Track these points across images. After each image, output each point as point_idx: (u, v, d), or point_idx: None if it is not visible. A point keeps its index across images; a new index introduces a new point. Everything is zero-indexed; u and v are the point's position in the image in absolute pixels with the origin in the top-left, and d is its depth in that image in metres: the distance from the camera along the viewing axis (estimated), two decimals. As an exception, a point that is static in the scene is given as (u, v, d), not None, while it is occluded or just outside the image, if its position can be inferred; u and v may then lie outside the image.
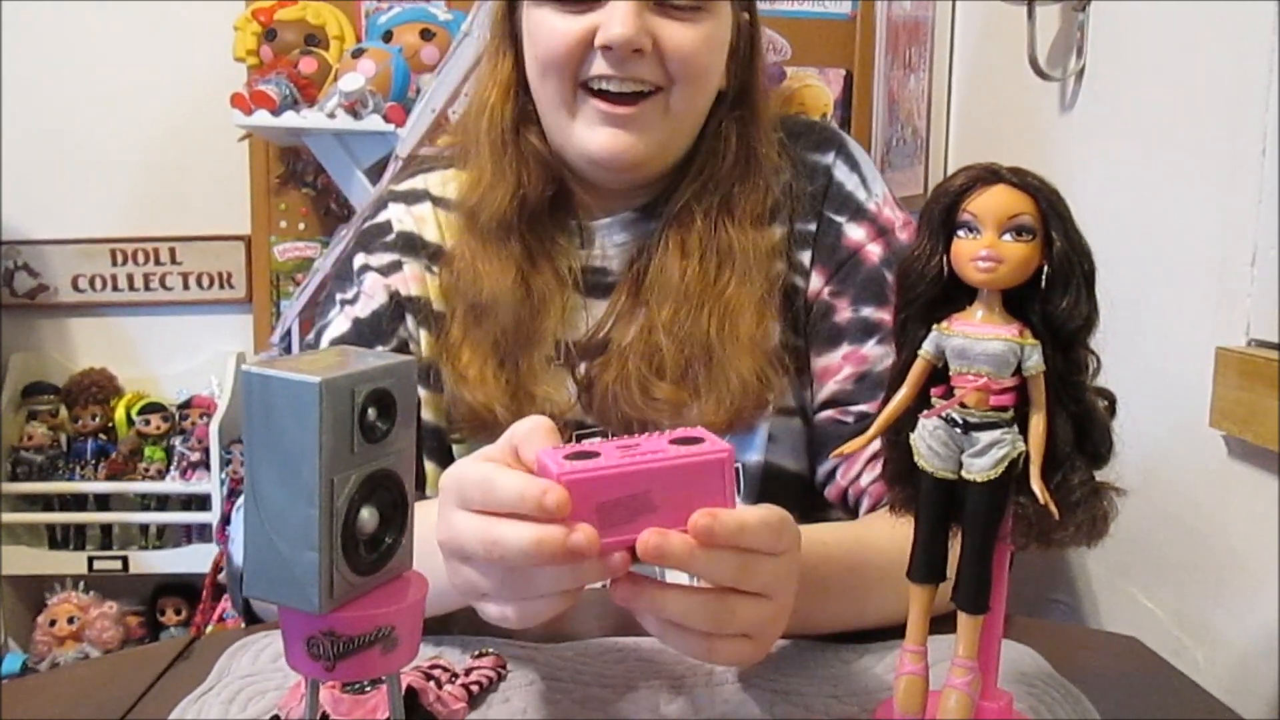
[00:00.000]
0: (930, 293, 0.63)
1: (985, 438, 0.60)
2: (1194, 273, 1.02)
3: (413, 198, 1.04)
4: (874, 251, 0.97)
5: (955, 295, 0.63)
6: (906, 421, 0.64)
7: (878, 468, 0.90)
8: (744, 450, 0.95)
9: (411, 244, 1.02)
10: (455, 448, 0.99)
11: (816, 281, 0.97)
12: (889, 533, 0.66)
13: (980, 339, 0.60)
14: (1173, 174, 1.09)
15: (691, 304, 0.94)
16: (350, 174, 2.06)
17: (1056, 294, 0.60)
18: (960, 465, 0.61)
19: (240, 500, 0.47)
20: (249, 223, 2.46)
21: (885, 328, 0.95)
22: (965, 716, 0.61)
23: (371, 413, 0.45)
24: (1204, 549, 0.97)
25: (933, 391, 0.63)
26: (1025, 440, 0.60)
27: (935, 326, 0.62)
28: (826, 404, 0.96)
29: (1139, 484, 0.63)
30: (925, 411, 0.62)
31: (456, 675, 0.73)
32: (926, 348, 0.62)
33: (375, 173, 2.03)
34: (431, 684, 0.67)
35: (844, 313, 0.96)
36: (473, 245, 0.97)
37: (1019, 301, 0.61)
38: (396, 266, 1.01)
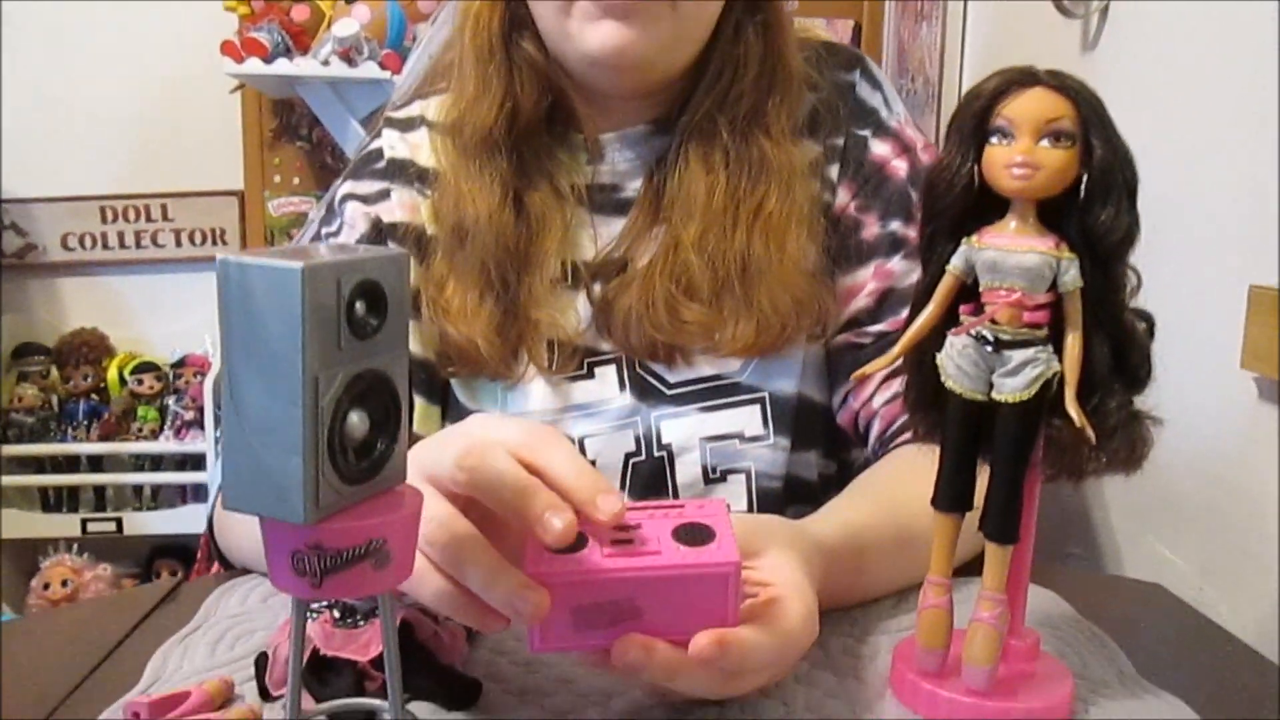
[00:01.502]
0: (959, 205, 0.59)
1: (1018, 356, 0.56)
2: (1226, 210, 0.98)
3: (408, 125, 0.99)
4: (900, 167, 0.91)
5: (986, 208, 0.59)
6: (932, 342, 0.60)
7: (891, 388, 0.87)
8: (776, 378, 0.88)
9: (402, 170, 0.96)
10: (453, 382, 0.94)
11: (844, 196, 0.91)
12: (926, 489, 0.61)
13: (1014, 252, 0.56)
14: (1201, 112, 1.04)
15: (723, 222, 0.87)
16: (345, 124, 2.01)
17: (1096, 205, 0.56)
18: (990, 387, 0.58)
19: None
20: (242, 178, 2.41)
21: (911, 244, 0.88)
22: (992, 653, 0.58)
23: (360, 306, 0.41)
24: (1231, 497, 0.94)
25: (961, 309, 0.59)
26: (1060, 361, 0.56)
27: (964, 241, 0.59)
28: (845, 326, 0.90)
29: (1162, 428, 0.59)
30: (953, 329, 0.58)
31: (454, 614, 0.69)
32: (955, 263, 0.59)
33: (372, 122, 1.98)
34: (428, 619, 0.64)
35: (872, 228, 0.90)
36: (456, 165, 0.91)
37: (1054, 215, 0.57)
38: (383, 195, 0.96)
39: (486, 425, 0.57)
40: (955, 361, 0.58)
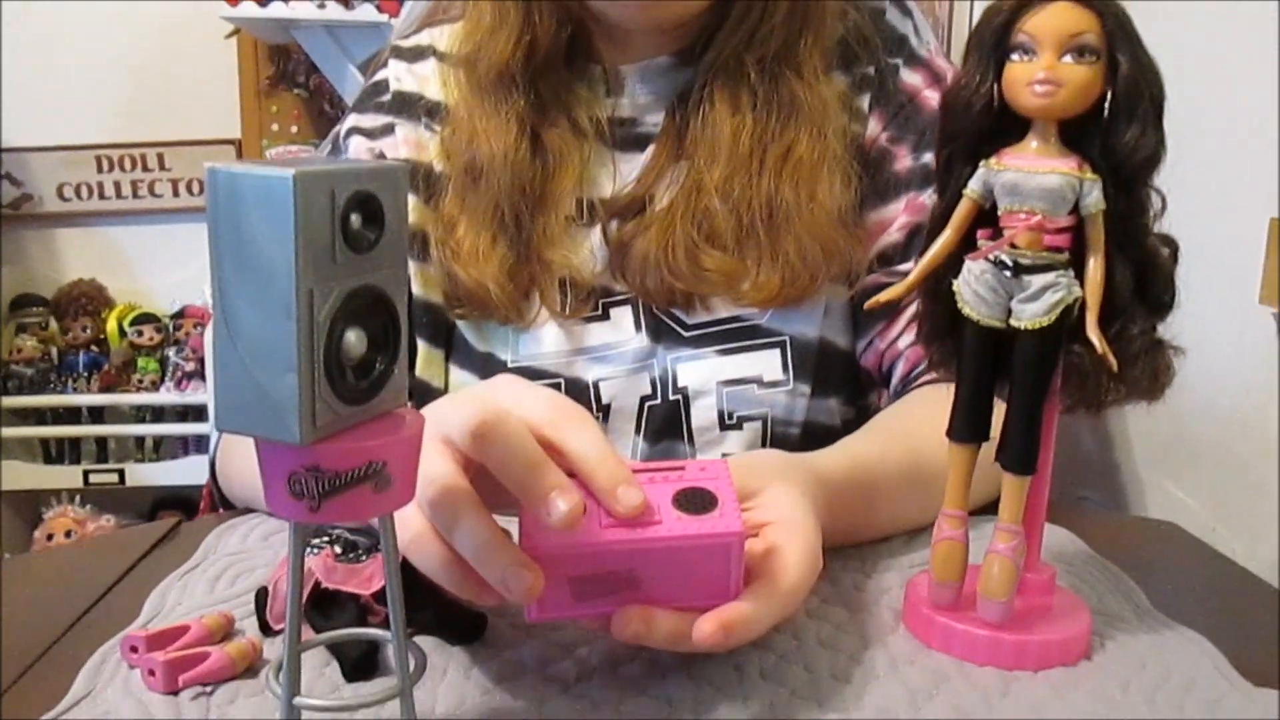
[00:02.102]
0: (978, 125, 0.57)
1: (1038, 281, 0.55)
2: (1248, 139, 0.95)
3: (416, 54, 0.96)
4: (931, 97, 0.87)
5: (1005, 129, 0.57)
6: (949, 269, 0.58)
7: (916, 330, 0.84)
8: (798, 321, 0.85)
9: (408, 104, 0.94)
10: (460, 325, 0.92)
11: (874, 127, 0.87)
12: (942, 426, 0.59)
13: (1034, 173, 0.55)
14: (1227, 45, 1.02)
15: (749, 166, 0.83)
16: (343, 70, 1.98)
17: (1121, 123, 0.54)
18: (1008, 314, 0.56)
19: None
20: (239, 126, 2.38)
21: None
22: (1009, 586, 0.56)
23: (355, 219, 0.40)
24: (1246, 435, 0.93)
25: (979, 234, 0.57)
26: (1081, 286, 0.55)
27: (983, 163, 0.57)
28: (874, 263, 0.86)
29: (1183, 358, 0.57)
30: (971, 254, 0.57)
31: (458, 551, 0.68)
32: (973, 186, 0.57)
33: (369, 68, 1.94)
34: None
35: (904, 160, 0.86)
36: (470, 100, 0.87)
37: (1076, 136, 0.55)
38: (388, 130, 0.93)
39: (511, 392, 0.54)
40: (972, 288, 0.57)
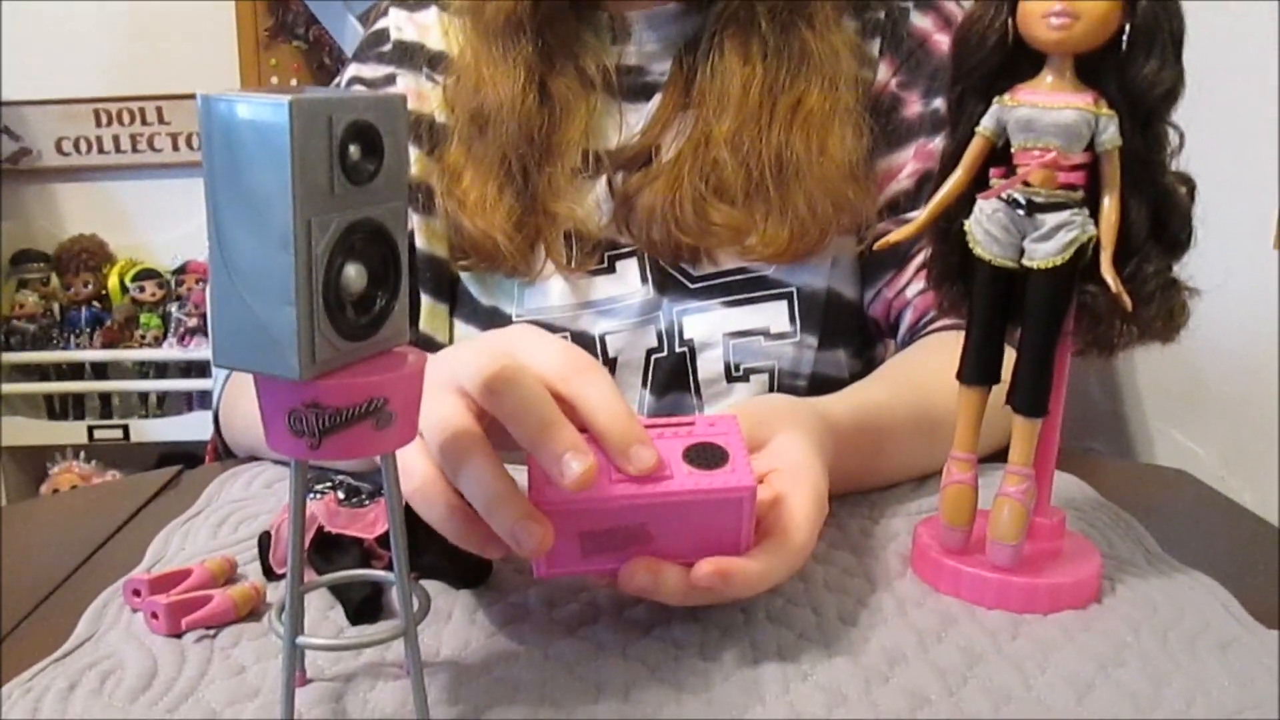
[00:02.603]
0: (992, 61, 0.56)
1: (1052, 220, 0.54)
2: (1265, 80, 0.93)
3: (418, 3, 0.94)
4: (942, 41, 0.86)
5: (1019, 65, 0.55)
6: (960, 210, 0.57)
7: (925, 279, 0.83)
8: (805, 272, 0.84)
9: (409, 54, 0.92)
10: (465, 277, 0.91)
11: (884, 72, 0.86)
12: (951, 372, 0.58)
13: (1050, 108, 0.53)
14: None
15: (759, 118, 0.81)
16: (342, 21, 1.95)
17: (1139, 57, 0.53)
18: (1020, 254, 0.55)
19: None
20: (238, 79, 2.35)
21: None
22: (1019, 529, 0.56)
23: (354, 149, 0.38)
24: (1256, 383, 0.92)
25: (992, 173, 0.56)
26: (1095, 224, 0.54)
27: (996, 100, 0.55)
28: (884, 211, 0.85)
29: (1191, 307, 0.56)
30: (983, 193, 0.55)
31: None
32: (986, 124, 0.56)
33: (369, 18, 1.92)
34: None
35: (914, 106, 0.85)
36: (476, 47, 0.86)
37: (1093, 71, 0.54)
38: (389, 80, 0.92)
39: (525, 343, 0.52)
40: (984, 227, 0.55)
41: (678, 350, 0.85)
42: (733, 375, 0.85)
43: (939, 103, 0.83)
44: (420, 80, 0.92)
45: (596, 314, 0.86)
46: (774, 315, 0.84)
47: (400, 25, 0.94)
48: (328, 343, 0.39)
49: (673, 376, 0.85)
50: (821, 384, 0.85)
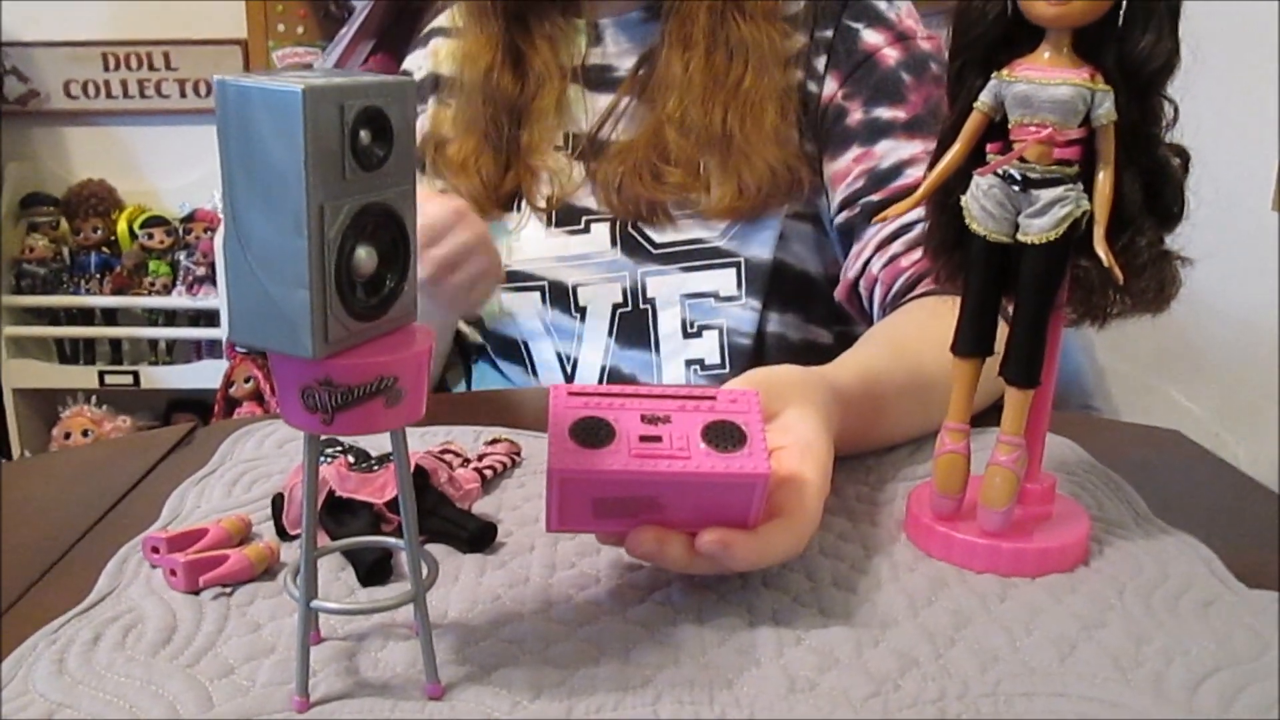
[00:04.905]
0: (991, 35, 0.56)
1: (1046, 195, 0.54)
2: (1263, 42, 0.94)
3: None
4: (890, 54, 0.93)
5: (1018, 39, 0.56)
6: (957, 183, 0.58)
7: (888, 252, 0.89)
8: (753, 245, 0.93)
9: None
10: None
11: (830, 86, 0.94)
12: (942, 337, 0.60)
13: (1046, 84, 0.54)
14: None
15: (699, 98, 0.92)
16: (348, -33, 1.93)
17: (1136, 30, 0.54)
18: (1015, 228, 0.56)
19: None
20: (245, 26, 2.34)
21: (897, 124, 0.91)
22: (1009, 496, 0.57)
23: (364, 135, 0.40)
24: (1253, 341, 0.93)
25: (988, 148, 0.57)
26: (1090, 199, 0.54)
27: (995, 74, 0.56)
28: (840, 208, 0.94)
29: (1183, 272, 0.57)
30: (979, 168, 0.56)
31: (469, 460, 0.69)
32: (984, 98, 0.56)
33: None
34: (444, 465, 0.64)
35: (855, 114, 0.92)
36: (461, 19, 1.00)
37: (1091, 46, 0.55)
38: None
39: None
40: (980, 202, 0.56)
41: (641, 307, 0.96)
42: (688, 331, 0.95)
43: (880, 110, 0.92)
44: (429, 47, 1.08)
45: (571, 267, 0.97)
46: (724, 281, 0.94)
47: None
48: (339, 323, 0.40)
49: (635, 329, 0.96)
50: (771, 342, 0.96)
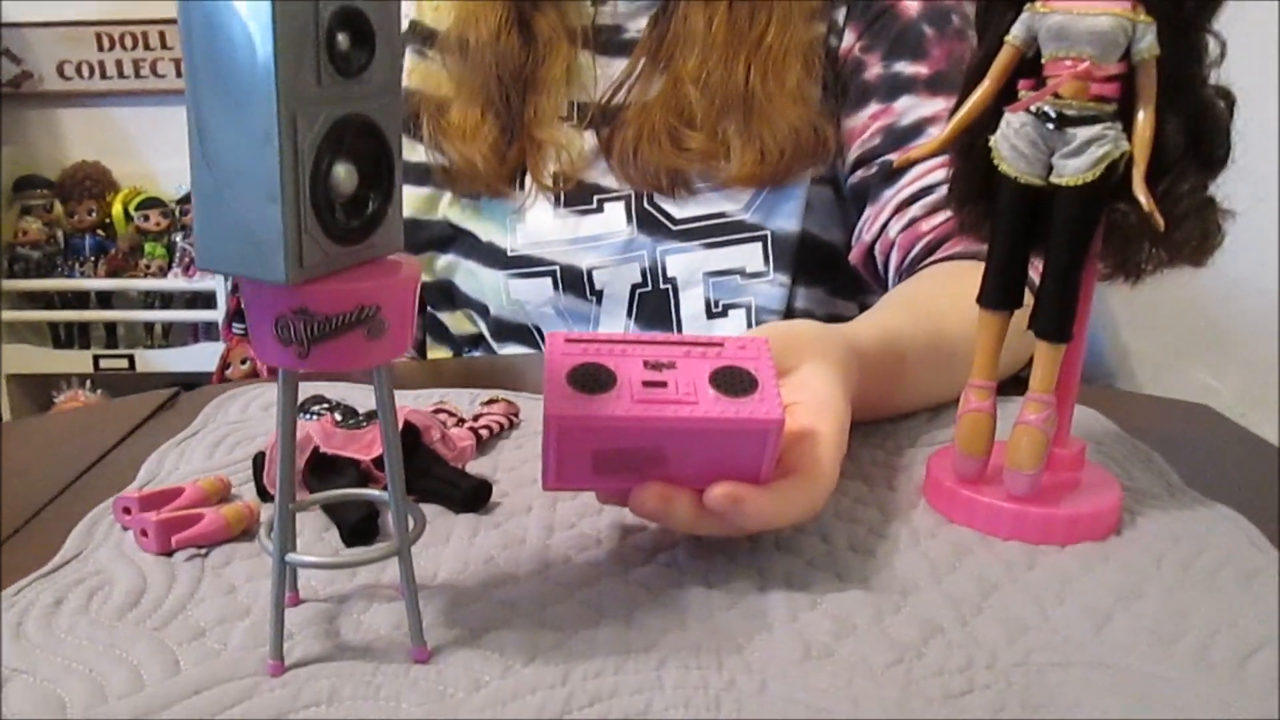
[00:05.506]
0: (1023, -36, 0.52)
1: (1083, 134, 0.51)
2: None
3: None
4: (912, 6, 0.88)
5: (1052, -30, 0.52)
6: (985, 125, 0.54)
7: (907, 215, 0.85)
8: (779, 216, 0.88)
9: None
10: (457, 215, 0.96)
11: (849, 38, 0.89)
12: (964, 302, 0.57)
13: (1084, 15, 0.50)
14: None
15: (722, 53, 0.86)
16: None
17: (1180, -42, 0.50)
18: (1048, 171, 0.52)
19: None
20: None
21: (919, 80, 0.87)
22: (1038, 457, 0.54)
23: (342, 38, 0.36)
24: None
25: (1020, 85, 0.53)
26: (1128, 140, 0.51)
27: (1027, 6, 0.52)
28: (855, 165, 0.89)
29: (1226, 229, 0.53)
30: (1010, 105, 0.53)
31: (464, 420, 0.66)
32: (1015, 32, 0.52)
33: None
34: (436, 423, 0.60)
35: (874, 69, 0.88)
36: None
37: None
38: None
39: None
40: (1011, 142, 0.53)
41: (661, 287, 0.91)
42: (712, 311, 0.90)
43: (900, 65, 0.88)
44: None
45: (584, 249, 0.91)
46: (749, 256, 0.89)
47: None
48: (316, 245, 0.37)
49: (656, 311, 0.91)
50: (800, 319, 0.86)
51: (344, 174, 0.37)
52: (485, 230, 0.95)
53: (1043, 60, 0.52)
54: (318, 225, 0.37)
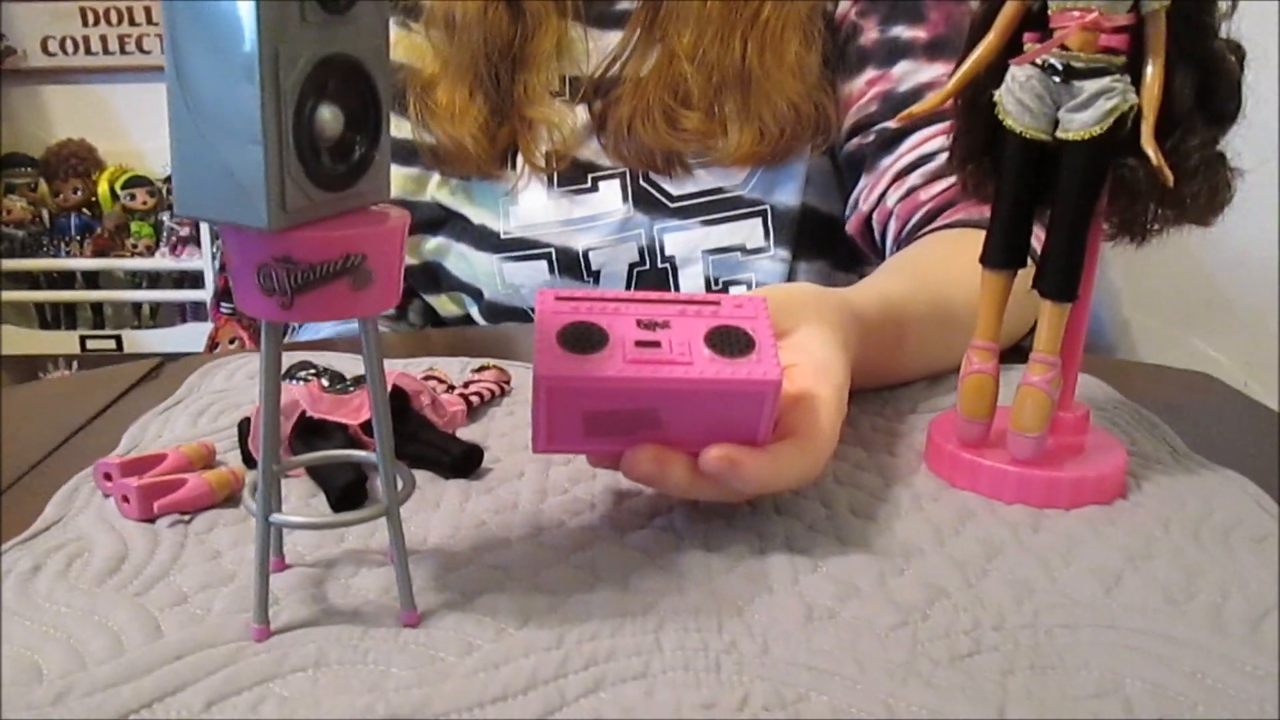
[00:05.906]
0: (1029, -88, 0.51)
1: (1091, 86, 0.49)
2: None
3: None
4: None
5: (1059, -83, 0.50)
6: (989, 80, 0.53)
7: (905, 184, 0.83)
8: (779, 190, 0.87)
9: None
10: (448, 198, 0.93)
11: (845, 2, 0.87)
12: (965, 268, 0.56)
13: (1092, -37, 0.49)
14: None
15: (718, 28, 0.84)
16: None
17: (1191, -96, 0.48)
18: (1055, 125, 0.51)
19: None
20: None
21: (917, 45, 0.85)
22: (1042, 419, 0.52)
23: (327, -30, 0.34)
24: (1281, 287, 0.88)
25: (1025, 38, 0.52)
26: (1137, 93, 0.49)
27: (1033, -45, 0.51)
28: (851, 133, 0.87)
29: (1235, 186, 0.52)
30: (1016, 58, 0.51)
31: (454, 387, 0.64)
32: (1021, -19, 0.51)
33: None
34: (426, 388, 0.59)
35: (870, 33, 0.86)
36: None
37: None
38: None
39: None
40: (1016, 96, 0.51)
41: (660, 266, 0.89)
42: (712, 289, 0.89)
43: (897, 29, 0.86)
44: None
45: (579, 230, 0.89)
46: (749, 232, 0.87)
47: None
48: (299, 190, 0.35)
49: (655, 290, 0.86)
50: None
51: (329, 117, 0.36)
52: (477, 213, 0.92)
53: (1049, 11, 0.51)
54: (301, 169, 0.35)
